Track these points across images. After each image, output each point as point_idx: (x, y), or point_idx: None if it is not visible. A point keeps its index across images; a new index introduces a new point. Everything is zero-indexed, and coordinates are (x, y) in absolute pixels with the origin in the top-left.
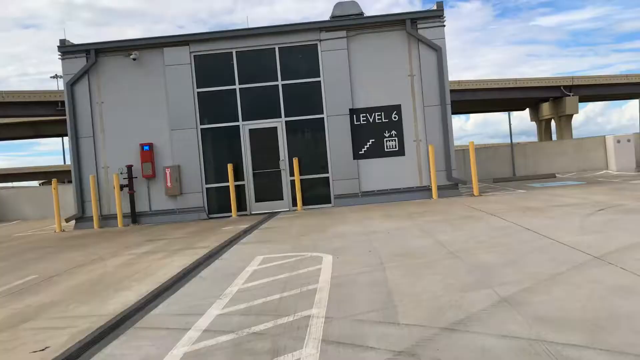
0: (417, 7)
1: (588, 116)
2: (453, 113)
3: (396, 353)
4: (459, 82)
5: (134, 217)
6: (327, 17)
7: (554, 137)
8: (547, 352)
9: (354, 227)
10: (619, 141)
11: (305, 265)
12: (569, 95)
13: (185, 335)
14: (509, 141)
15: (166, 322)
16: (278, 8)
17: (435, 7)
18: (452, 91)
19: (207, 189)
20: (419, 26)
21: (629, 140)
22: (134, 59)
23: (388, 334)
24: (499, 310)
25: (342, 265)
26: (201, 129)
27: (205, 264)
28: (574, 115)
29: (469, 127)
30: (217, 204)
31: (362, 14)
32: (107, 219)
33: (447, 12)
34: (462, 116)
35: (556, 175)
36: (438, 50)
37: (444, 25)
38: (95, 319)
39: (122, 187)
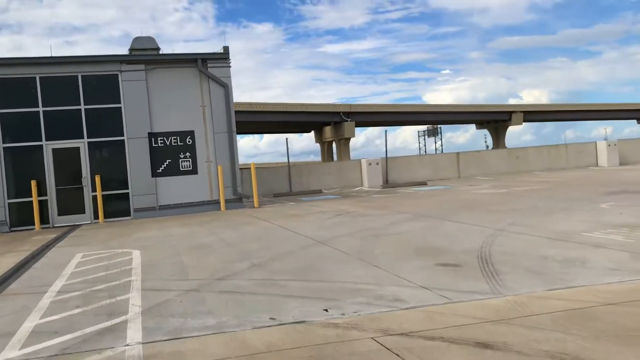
0: (211, 24)
1: (368, 138)
2: (247, 133)
3: (186, 291)
4: (250, 104)
5: None
6: (116, 26)
7: (335, 157)
8: (271, 283)
9: (155, 233)
10: (370, 164)
11: (119, 256)
12: (347, 121)
13: (45, 295)
14: (296, 160)
15: (25, 290)
16: (61, 12)
17: (222, 51)
18: (244, 112)
19: (9, 203)
20: (209, 65)
21: (377, 164)
22: None
23: (182, 284)
24: (251, 270)
25: (149, 255)
26: (3, 148)
27: (34, 260)
28: (354, 138)
29: (262, 146)
30: (20, 218)
31: (158, 48)
32: None
33: (241, 32)
34: (257, 136)
35: (323, 190)
36: (225, 87)
37: (230, 66)
38: None
39: None
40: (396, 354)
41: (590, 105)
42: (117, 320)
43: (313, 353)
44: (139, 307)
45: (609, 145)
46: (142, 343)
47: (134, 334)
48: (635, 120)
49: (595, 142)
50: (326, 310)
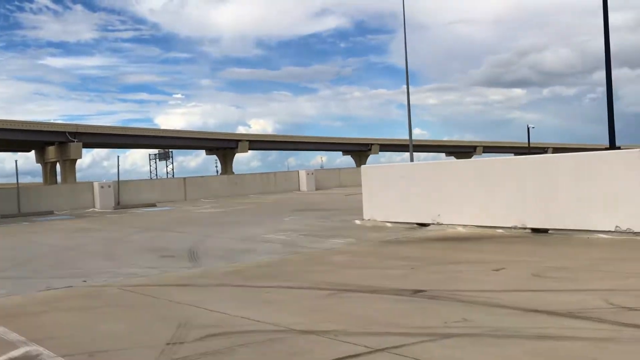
0: None
1: (95, 160)
2: None
3: None
4: None
5: None
6: None
7: (60, 179)
8: (38, 273)
9: None
10: (102, 186)
11: None
12: (74, 142)
13: None
14: (15, 182)
15: None
16: None
17: None
18: None
19: None
20: None
21: (109, 186)
22: None
23: None
24: (17, 267)
25: None
26: None
27: None
28: (81, 159)
29: None
30: None
31: None
32: None
33: None
34: None
35: (54, 212)
36: None
37: None
38: None
39: None
40: (131, 292)
41: (306, 138)
42: None
43: (83, 296)
44: None
45: (308, 174)
46: None
47: None
48: (341, 152)
49: (298, 171)
50: (85, 281)
